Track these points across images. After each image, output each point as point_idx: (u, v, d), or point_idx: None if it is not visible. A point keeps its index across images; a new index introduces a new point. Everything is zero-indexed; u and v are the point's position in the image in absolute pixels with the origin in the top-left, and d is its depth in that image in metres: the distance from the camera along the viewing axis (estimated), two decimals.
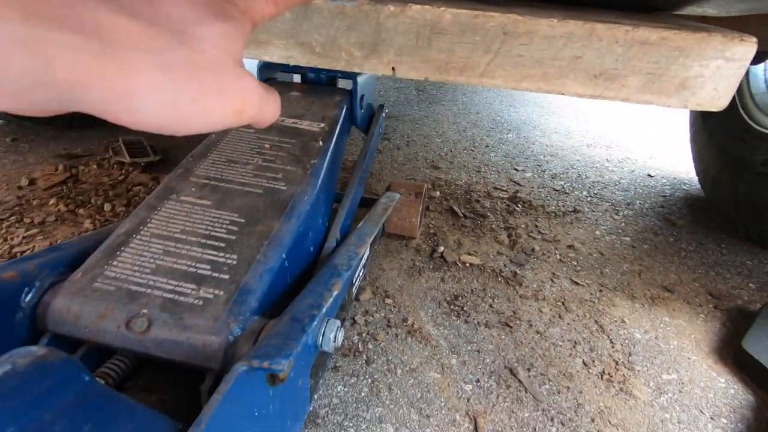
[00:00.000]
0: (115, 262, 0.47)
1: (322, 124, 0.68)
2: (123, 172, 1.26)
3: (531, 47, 0.48)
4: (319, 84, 0.80)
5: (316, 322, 0.43)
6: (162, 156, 1.34)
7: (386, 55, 0.51)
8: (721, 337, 0.85)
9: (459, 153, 1.60)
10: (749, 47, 0.44)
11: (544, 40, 0.47)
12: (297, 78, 0.85)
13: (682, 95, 0.47)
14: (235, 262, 0.47)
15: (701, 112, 1.30)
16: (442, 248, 1.02)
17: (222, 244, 0.49)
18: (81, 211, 1.06)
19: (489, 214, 1.21)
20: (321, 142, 0.64)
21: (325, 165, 0.62)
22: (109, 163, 1.30)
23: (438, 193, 1.30)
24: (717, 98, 0.47)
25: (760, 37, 0.78)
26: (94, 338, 0.42)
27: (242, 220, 0.52)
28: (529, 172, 1.50)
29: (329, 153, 0.64)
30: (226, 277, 0.46)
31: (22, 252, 0.91)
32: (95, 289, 0.44)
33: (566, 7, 0.60)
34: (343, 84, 0.83)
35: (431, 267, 0.97)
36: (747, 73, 1.21)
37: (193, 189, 0.56)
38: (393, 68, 0.52)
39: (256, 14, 0.24)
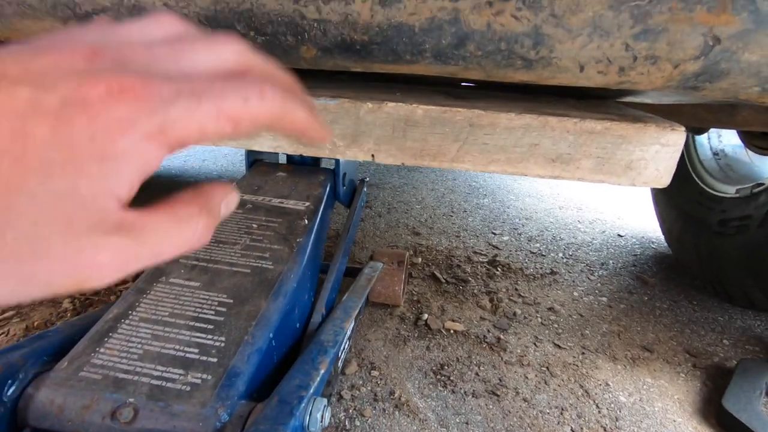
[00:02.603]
0: (102, 349, 0.47)
1: (308, 203, 0.72)
2: None
3: (494, 136, 0.54)
4: (304, 164, 0.85)
5: (303, 404, 0.43)
6: None
7: (366, 144, 0.56)
8: (702, 396, 0.86)
9: (438, 219, 1.66)
10: (680, 135, 0.51)
11: (505, 131, 0.53)
12: (282, 158, 0.90)
13: (630, 175, 0.53)
14: (223, 344, 0.48)
15: None
16: (426, 316, 1.03)
17: (210, 326, 0.50)
18: None
19: (470, 278, 1.24)
20: (306, 221, 0.68)
21: (310, 242, 0.65)
22: None
23: (420, 259, 1.33)
24: (659, 177, 0.53)
25: (694, 117, 0.88)
26: (77, 431, 0.41)
27: (230, 301, 0.53)
28: (507, 235, 1.56)
29: (314, 230, 0.68)
30: (214, 360, 0.46)
31: None
32: (80, 379, 0.44)
33: (524, 98, 0.68)
34: (326, 163, 0.88)
35: (416, 335, 0.98)
36: (694, 142, 1.34)
37: (182, 271, 0.57)
38: (372, 155, 0.57)
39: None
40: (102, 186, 0.16)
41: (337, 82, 0.70)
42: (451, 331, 1.00)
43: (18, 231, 0.15)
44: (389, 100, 0.54)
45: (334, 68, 0.48)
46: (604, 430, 0.76)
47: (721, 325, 1.10)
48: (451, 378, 0.86)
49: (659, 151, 0.52)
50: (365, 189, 0.94)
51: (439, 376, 0.86)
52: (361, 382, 0.83)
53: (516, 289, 1.20)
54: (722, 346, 1.02)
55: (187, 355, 0.47)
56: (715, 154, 1.31)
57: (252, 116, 0.19)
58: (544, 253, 1.44)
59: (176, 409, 0.41)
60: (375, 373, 0.86)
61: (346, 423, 0.74)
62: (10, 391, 0.43)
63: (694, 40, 0.35)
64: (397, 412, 0.77)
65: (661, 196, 1.42)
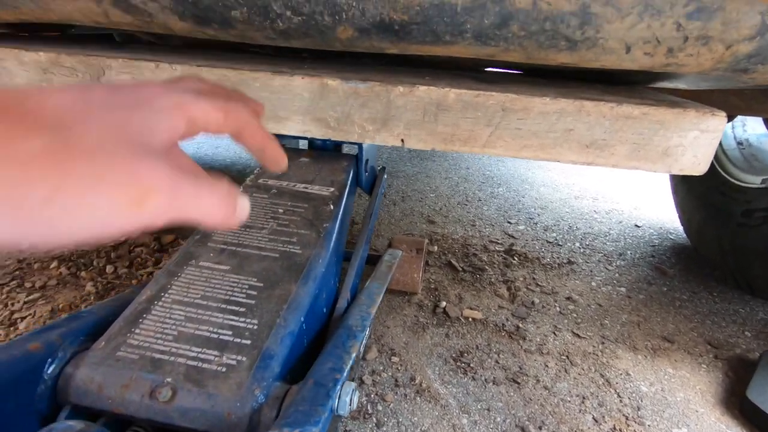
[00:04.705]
0: (137, 330, 0.47)
1: (332, 189, 0.72)
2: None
3: (528, 121, 0.53)
4: (326, 149, 0.85)
5: (339, 386, 0.44)
6: None
7: (396, 128, 0.56)
8: (725, 387, 0.85)
9: (453, 207, 1.65)
10: (720, 120, 0.49)
11: (539, 115, 0.52)
12: (303, 144, 0.90)
13: (666, 162, 0.52)
14: (256, 327, 0.48)
15: None
16: (444, 303, 1.03)
17: (242, 309, 0.50)
18: (83, 273, 1.06)
19: (487, 267, 1.23)
20: (332, 206, 0.67)
21: (336, 228, 0.65)
22: None
23: (436, 247, 1.33)
24: (697, 164, 0.52)
25: (724, 104, 0.86)
26: (117, 409, 0.42)
27: (260, 284, 0.54)
28: (522, 224, 1.55)
29: (339, 216, 0.67)
30: (248, 342, 0.47)
31: (23, 318, 0.90)
32: (118, 359, 0.45)
33: (555, 83, 0.67)
34: (348, 149, 0.88)
35: (435, 323, 0.98)
36: None
37: (212, 254, 0.58)
38: (402, 140, 0.57)
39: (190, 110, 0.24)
40: (148, 122, 0.21)
41: (355, 66, 0.69)
42: (470, 319, 1.00)
43: (91, 142, 0.18)
44: (420, 84, 0.53)
45: (369, 50, 0.47)
46: (626, 418, 0.76)
47: (742, 317, 1.09)
48: (471, 365, 0.86)
49: (698, 137, 0.51)
50: (385, 177, 0.93)
51: (458, 363, 0.86)
52: (381, 368, 0.84)
53: (533, 278, 1.19)
54: (744, 338, 1.01)
55: (221, 336, 0.47)
56: (739, 143, 1.28)
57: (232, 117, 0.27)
58: (560, 243, 1.43)
59: (214, 389, 0.42)
60: (395, 359, 0.86)
61: (369, 407, 0.75)
62: (50, 369, 0.44)
63: (751, 19, 0.34)
64: (418, 398, 0.77)
65: (681, 187, 1.39)
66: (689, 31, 0.36)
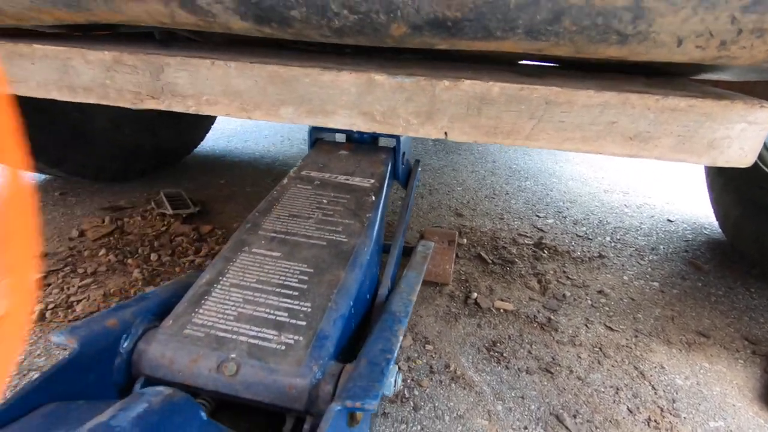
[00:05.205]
0: (201, 310, 0.51)
1: (372, 180, 0.74)
2: (165, 223, 1.33)
3: (571, 114, 0.54)
4: (363, 142, 0.87)
5: (391, 366, 0.46)
6: (201, 207, 1.42)
7: (440, 121, 0.57)
8: (763, 383, 0.85)
9: (480, 201, 1.66)
10: None
11: (583, 108, 0.53)
12: (339, 137, 0.92)
13: (711, 154, 0.53)
14: (309, 310, 0.51)
15: None
16: (475, 294, 1.05)
17: (295, 293, 0.53)
18: (129, 261, 1.12)
19: (516, 260, 1.24)
20: (373, 197, 0.70)
21: (378, 218, 0.68)
22: (151, 214, 1.37)
23: (465, 240, 1.34)
24: (744, 156, 0.52)
25: (766, 96, 0.85)
26: (187, 381, 0.46)
27: (311, 270, 0.57)
28: (551, 218, 1.54)
29: (380, 207, 0.70)
30: (303, 323, 0.50)
31: (78, 301, 0.96)
32: (186, 336, 0.48)
33: (595, 76, 0.68)
34: (383, 141, 0.90)
35: (466, 313, 1.00)
36: None
37: (263, 242, 0.61)
38: (446, 133, 0.58)
39: None
40: None
41: (395, 60, 0.71)
42: (501, 310, 1.01)
43: None
44: (465, 77, 0.55)
45: (419, 46, 0.49)
46: (661, 410, 0.77)
47: None
48: (504, 354, 0.88)
49: (745, 129, 0.51)
50: (419, 169, 0.95)
51: (492, 353, 0.88)
52: (416, 355, 0.86)
53: (564, 272, 1.20)
54: None
55: (278, 318, 0.50)
56: None
57: None
58: (590, 237, 1.42)
59: (275, 365, 0.45)
60: (429, 347, 0.88)
61: (405, 392, 0.77)
62: (126, 344, 0.48)
63: None
64: (453, 384, 0.80)
65: (716, 181, 1.36)
66: (744, 24, 0.37)
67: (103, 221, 1.33)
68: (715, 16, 0.36)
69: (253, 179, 1.75)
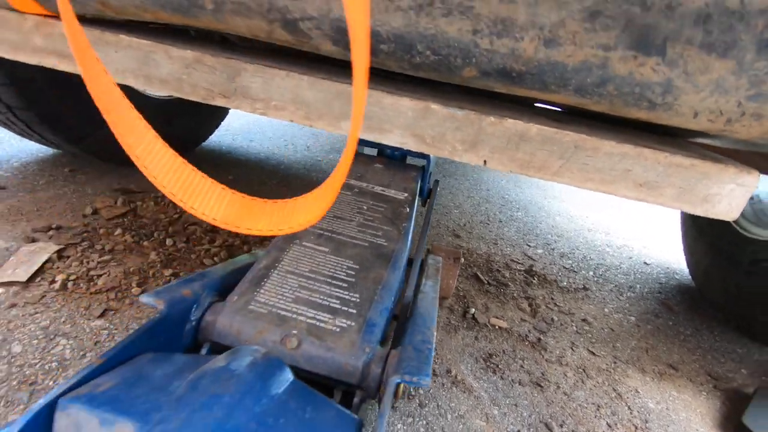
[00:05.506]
0: (261, 291, 0.57)
1: (406, 194, 0.82)
2: (178, 211, 1.37)
3: (595, 159, 0.63)
4: (394, 159, 0.96)
5: (433, 353, 0.53)
6: None
7: (482, 151, 0.66)
8: (722, 413, 0.95)
9: (476, 225, 1.76)
10: (754, 178, 0.60)
11: (605, 155, 0.63)
12: (369, 150, 1.00)
13: (705, 206, 0.63)
14: (358, 300, 0.58)
15: None
16: (473, 310, 1.13)
17: (345, 284, 0.60)
18: (145, 243, 1.16)
19: (509, 283, 1.33)
20: (408, 209, 0.78)
21: (411, 228, 0.75)
22: (164, 201, 1.41)
23: (462, 259, 1.43)
24: (730, 211, 0.62)
25: (749, 162, 0.98)
26: None
27: (357, 267, 0.64)
28: (540, 249, 1.65)
29: (413, 218, 0.78)
30: (354, 311, 0.56)
31: (99, 275, 0.99)
32: (251, 311, 0.54)
33: (610, 127, 0.78)
34: (411, 160, 0.98)
35: (465, 326, 1.08)
36: None
37: (312, 237, 0.68)
38: (485, 161, 0.67)
39: None
40: None
41: (436, 90, 0.80)
42: (496, 327, 1.10)
43: None
44: (509, 117, 0.64)
45: (484, 87, 0.57)
46: (636, 428, 0.86)
47: (739, 356, 1.19)
48: (499, 366, 0.96)
49: (734, 190, 0.62)
50: (438, 189, 1.04)
51: (488, 363, 0.96)
52: None
53: (552, 298, 1.29)
54: (740, 374, 1.11)
55: (331, 304, 0.57)
56: (751, 198, 1.40)
57: None
58: (575, 270, 1.53)
59: (332, 344, 0.52)
60: None
61: (411, 390, 0.84)
62: (195, 312, 0.54)
63: None
64: (454, 388, 0.87)
65: (691, 230, 1.51)
66: (747, 108, 0.47)
67: (116, 202, 1.35)
68: (726, 99, 0.47)
69: (260, 179, 1.80)
